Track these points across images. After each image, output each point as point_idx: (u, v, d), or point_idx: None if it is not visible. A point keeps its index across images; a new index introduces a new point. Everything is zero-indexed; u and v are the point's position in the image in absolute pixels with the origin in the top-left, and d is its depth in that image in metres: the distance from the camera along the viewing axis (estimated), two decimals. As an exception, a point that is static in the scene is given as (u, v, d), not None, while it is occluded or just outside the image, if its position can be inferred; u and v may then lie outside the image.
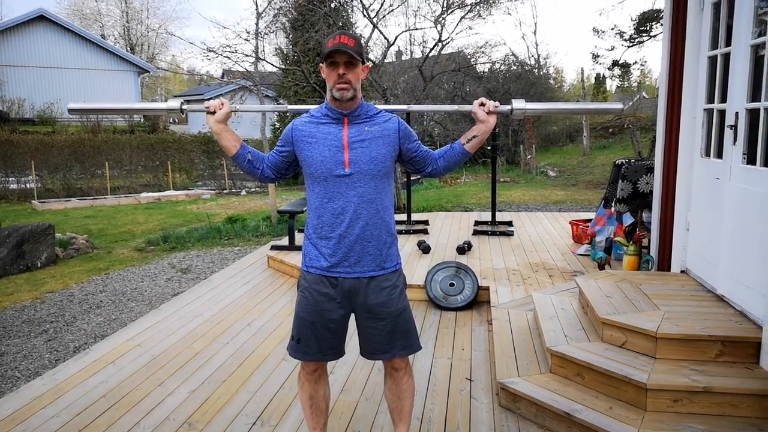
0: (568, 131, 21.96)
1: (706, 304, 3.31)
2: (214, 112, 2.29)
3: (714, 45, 3.63)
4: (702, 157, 3.77)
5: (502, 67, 21.62)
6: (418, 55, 17.74)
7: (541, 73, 26.84)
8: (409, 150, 2.32)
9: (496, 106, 2.28)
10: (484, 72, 21.66)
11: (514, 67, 22.74)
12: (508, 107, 2.34)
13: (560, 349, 3.10)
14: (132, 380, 3.48)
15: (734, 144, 3.28)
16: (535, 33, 53.23)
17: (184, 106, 2.37)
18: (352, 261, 2.24)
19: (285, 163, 2.35)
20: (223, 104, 2.31)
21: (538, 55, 26.62)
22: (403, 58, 22.36)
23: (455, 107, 2.62)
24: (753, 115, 3.13)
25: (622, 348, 3.05)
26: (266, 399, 3.20)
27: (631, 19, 20.27)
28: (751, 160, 3.14)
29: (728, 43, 3.42)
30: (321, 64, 2.21)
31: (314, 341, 2.31)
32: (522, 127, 19.57)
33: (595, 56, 25.03)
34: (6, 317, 5.87)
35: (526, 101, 2.36)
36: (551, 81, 28.74)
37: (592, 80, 31.01)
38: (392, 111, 2.42)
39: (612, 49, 22.19)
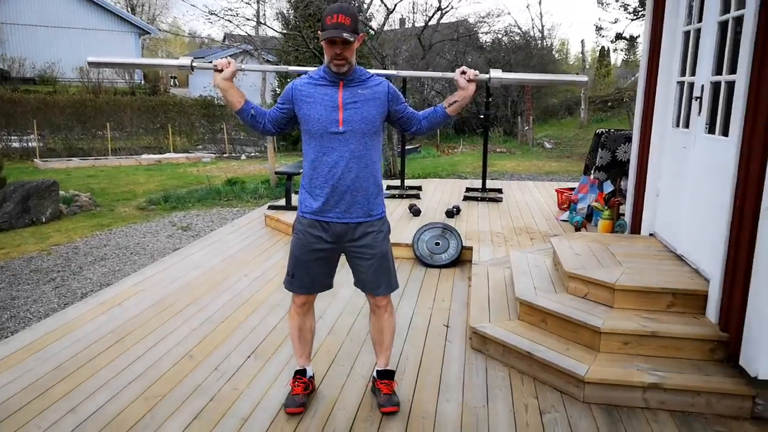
0: (567, 104, 22.04)
1: (666, 263, 3.60)
2: (221, 70, 2.54)
3: (689, 21, 3.84)
4: (673, 128, 4.01)
5: (504, 38, 21.62)
6: (420, 23, 17.74)
7: (545, 44, 26.77)
8: (397, 111, 2.58)
9: (476, 75, 2.55)
10: (486, 42, 21.65)
11: (517, 38, 22.71)
12: (487, 76, 2.61)
13: (527, 298, 3.40)
14: (137, 320, 3.79)
15: (699, 115, 3.52)
16: (540, 3, 52.57)
17: (195, 63, 2.62)
18: (342, 208, 2.53)
19: (285, 118, 2.61)
20: (230, 63, 2.55)
21: (542, 26, 26.47)
22: (406, 25, 22.25)
23: (440, 74, 2.87)
24: (716, 87, 3.37)
25: (584, 299, 3.35)
26: (260, 338, 3.52)
27: (636, -8, 20.17)
28: (712, 130, 3.39)
29: (700, 19, 3.63)
30: (319, 33, 2.44)
31: (307, 277, 2.63)
32: (521, 99, 19.66)
33: (599, 29, 24.94)
34: (15, 266, 6.18)
35: (503, 71, 2.62)
36: (555, 53, 28.67)
37: (597, 53, 30.84)
38: (384, 76, 2.67)
39: (616, 22, 22.26)
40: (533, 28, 26.48)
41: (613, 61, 33.33)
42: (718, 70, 3.32)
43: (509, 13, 37.35)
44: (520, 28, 24.41)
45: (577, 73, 20.28)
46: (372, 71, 2.61)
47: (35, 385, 2.92)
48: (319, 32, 2.46)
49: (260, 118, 2.61)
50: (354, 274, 2.70)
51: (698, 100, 3.52)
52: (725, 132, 3.14)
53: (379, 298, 2.68)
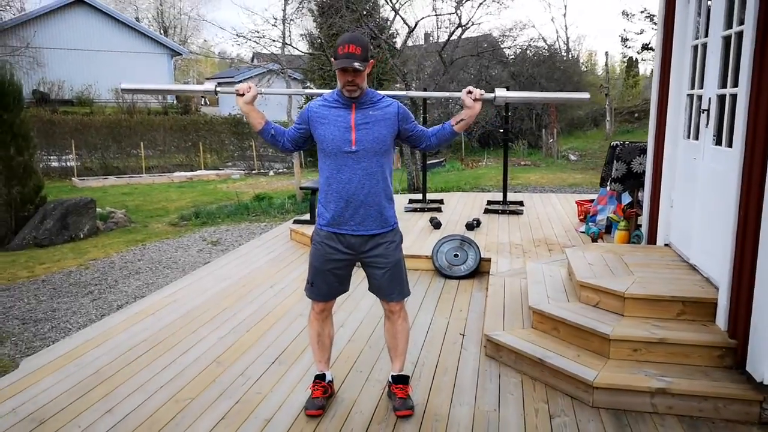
0: (593, 116, 21.94)
1: (678, 272, 3.66)
2: (243, 94, 2.74)
3: (697, 35, 3.93)
4: (684, 139, 4.09)
5: (529, 51, 21.66)
6: (445, 38, 17.96)
7: (570, 56, 26.72)
8: (407, 130, 2.76)
9: (482, 95, 2.70)
10: (509, 56, 21.75)
11: (542, 51, 22.74)
12: (492, 95, 2.75)
13: (540, 307, 3.51)
14: (169, 328, 4.01)
15: (707, 126, 3.61)
16: (564, 16, 52.49)
17: (218, 88, 2.83)
18: (357, 221, 2.71)
19: (302, 138, 2.81)
20: (250, 88, 2.76)
21: (567, 38, 26.45)
22: (431, 40, 22.51)
23: (447, 94, 3.04)
24: (722, 100, 3.45)
25: (595, 307, 3.44)
26: (283, 345, 3.69)
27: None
28: (719, 141, 3.47)
29: (707, 34, 3.72)
30: (333, 61, 2.62)
31: (324, 285, 2.82)
32: (545, 112, 19.67)
33: (624, 39, 24.81)
34: (55, 280, 6.51)
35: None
36: (582, 65, 28.55)
37: (625, 64, 30.62)
38: (394, 96, 2.85)
39: (641, 33, 22.02)
40: (558, 40, 26.41)
41: (642, 71, 33.02)
42: (723, 84, 3.41)
43: (533, 26, 37.28)
44: (545, 41, 24.45)
45: (602, 85, 20.20)
46: (383, 92, 2.79)
47: (75, 389, 3.15)
48: (332, 59, 2.64)
49: (279, 137, 2.81)
50: (369, 280, 2.87)
51: (706, 112, 3.61)
52: (730, 143, 3.22)
53: (392, 304, 2.84)
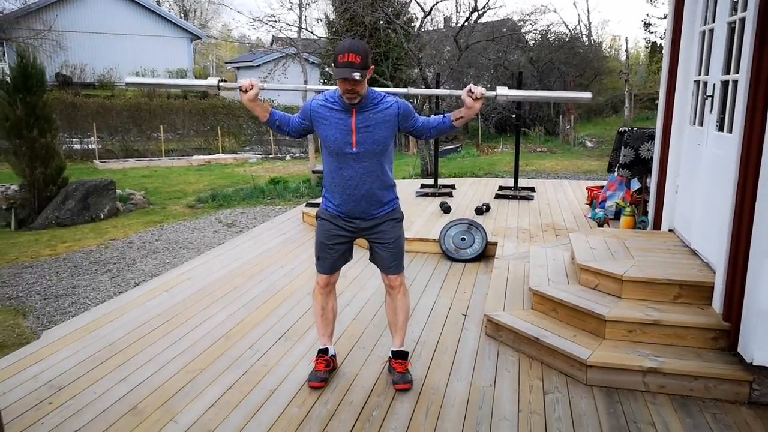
0: (612, 102, 21.68)
1: (678, 257, 3.71)
2: (246, 91, 2.78)
3: (704, 21, 3.93)
4: (690, 125, 4.11)
5: (549, 36, 21.42)
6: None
7: (591, 41, 26.34)
8: (407, 126, 2.84)
9: (483, 94, 2.70)
10: (528, 41, 21.53)
11: (563, 36, 22.47)
12: (494, 93, 2.75)
13: (540, 289, 3.59)
14: (182, 304, 4.17)
15: (711, 112, 3.63)
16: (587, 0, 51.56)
17: (221, 84, 2.83)
18: (359, 210, 2.86)
19: (305, 129, 2.92)
20: (253, 85, 2.78)
21: (589, 23, 26.06)
22: (451, 24, 22.35)
23: (448, 92, 3.06)
24: (726, 86, 3.47)
25: (594, 290, 3.51)
26: (290, 323, 3.83)
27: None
28: (721, 127, 3.49)
29: (714, 20, 3.72)
30: (333, 68, 2.65)
31: (329, 259, 2.97)
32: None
33: (647, 24, 24.39)
34: (76, 258, 6.74)
35: (509, 87, 2.78)
36: (605, 50, 28.12)
37: (649, 49, 30.08)
38: (396, 94, 2.89)
39: (665, 17, 21.58)
40: (579, 24, 26.06)
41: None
42: (727, 70, 3.43)
43: (555, 11, 36.67)
44: (566, 26, 24.14)
45: (621, 71, 19.92)
46: (384, 90, 2.83)
47: (92, 359, 3.31)
48: (333, 66, 2.69)
49: (285, 126, 2.91)
50: (371, 253, 3.03)
51: (710, 98, 3.63)
52: (731, 129, 3.24)
53: (392, 278, 2.97)
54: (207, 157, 17.28)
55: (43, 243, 7.60)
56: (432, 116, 2.90)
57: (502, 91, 2.74)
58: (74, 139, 17.72)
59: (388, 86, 12.25)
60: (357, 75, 2.53)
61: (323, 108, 2.79)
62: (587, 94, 2.80)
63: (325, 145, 2.80)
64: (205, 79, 2.89)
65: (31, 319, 4.88)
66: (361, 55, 2.55)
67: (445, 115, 2.85)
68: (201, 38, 31.03)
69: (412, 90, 2.99)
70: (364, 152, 2.75)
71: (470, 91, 2.68)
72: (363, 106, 2.73)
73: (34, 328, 4.66)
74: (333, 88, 2.83)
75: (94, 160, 16.45)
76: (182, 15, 37.77)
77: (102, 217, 9.12)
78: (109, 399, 2.87)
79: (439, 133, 2.89)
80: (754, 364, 2.74)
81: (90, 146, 17.51)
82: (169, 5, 38.88)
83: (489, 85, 20.47)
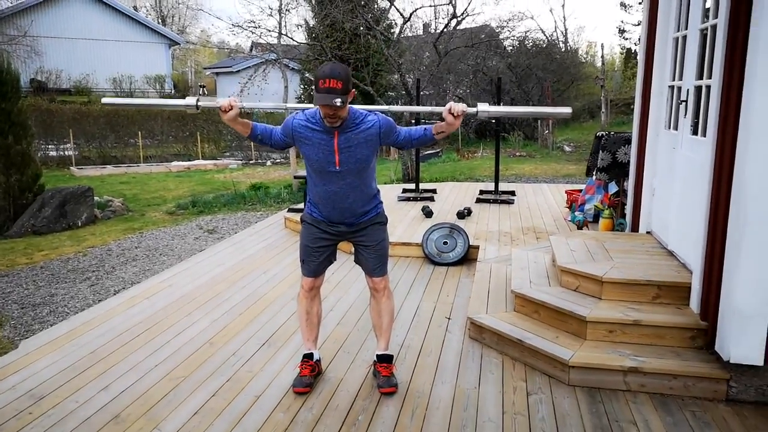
0: (589, 107, 22.02)
1: (656, 258, 3.79)
2: (225, 111, 2.75)
3: (678, 28, 4.03)
4: (665, 129, 4.20)
5: (527, 42, 21.70)
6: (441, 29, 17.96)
7: (567, 47, 26.76)
8: (389, 141, 2.88)
9: (463, 111, 2.70)
10: (507, 47, 21.79)
11: (541, 42, 22.78)
12: (474, 110, 2.76)
13: (522, 291, 3.63)
14: (164, 311, 4.13)
15: (685, 117, 3.72)
16: (563, 6, 52.38)
17: (200, 103, 2.81)
18: (343, 218, 2.91)
19: (287, 144, 2.93)
20: (231, 106, 2.74)
21: (566, 29, 26.46)
22: (430, 30, 22.51)
23: (430, 109, 3.07)
24: (699, 91, 3.56)
25: (575, 291, 3.56)
26: (274, 329, 3.82)
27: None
28: (696, 131, 3.58)
29: (686, 27, 3.82)
30: (314, 93, 2.60)
31: (313, 262, 3.00)
32: (542, 103, 19.74)
33: (622, 31, 24.85)
34: (53, 266, 6.63)
35: (489, 104, 2.80)
36: (581, 56, 28.55)
37: (624, 55, 30.63)
38: (378, 111, 2.90)
39: (639, 24, 22.03)
40: (556, 30, 26.45)
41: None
42: (700, 75, 3.52)
43: (532, 17, 37.19)
44: (543, 32, 24.48)
45: (597, 77, 20.25)
46: (366, 108, 2.84)
47: (72, 367, 3.27)
48: (314, 90, 2.63)
49: (267, 140, 2.91)
50: (356, 255, 3.06)
51: (684, 103, 3.72)
52: (705, 133, 3.33)
53: (377, 281, 3.00)
54: (186, 163, 17.13)
55: (19, 251, 7.46)
56: (414, 128, 2.91)
57: (483, 107, 2.73)
58: (50, 146, 17.42)
59: (368, 92, 12.27)
60: (338, 101, 2.52)
61: (305, 129, 2.78)
62: (567, 109, 2.80)
63: (309, 163, 2.83)
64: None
65: (8, 328, 4.78)
66: (342, 80, 2.53)
67: (427, 127, 2.87)
68: (179, 44, 30.80)
69: (394, 107, 3.03)
70: (347, 170, 2.78)
71: (450, 109, 2.67)
72: (345, 127, 2.73)
73: (11, 337, 4.57)
74: (314, 107, 2.80)
75: (71, 167, 16.19)
76: (160, 21, 37.45)
77: (80, 224, 8.98)
78: (91, 408, 2.84)
79: (420, 144, 2.95)
80: (731, 362, 2.80)
81: (66, 153, 17.23)
82: (147, 11, 38.56)
83: (468, 90, 20.68)
